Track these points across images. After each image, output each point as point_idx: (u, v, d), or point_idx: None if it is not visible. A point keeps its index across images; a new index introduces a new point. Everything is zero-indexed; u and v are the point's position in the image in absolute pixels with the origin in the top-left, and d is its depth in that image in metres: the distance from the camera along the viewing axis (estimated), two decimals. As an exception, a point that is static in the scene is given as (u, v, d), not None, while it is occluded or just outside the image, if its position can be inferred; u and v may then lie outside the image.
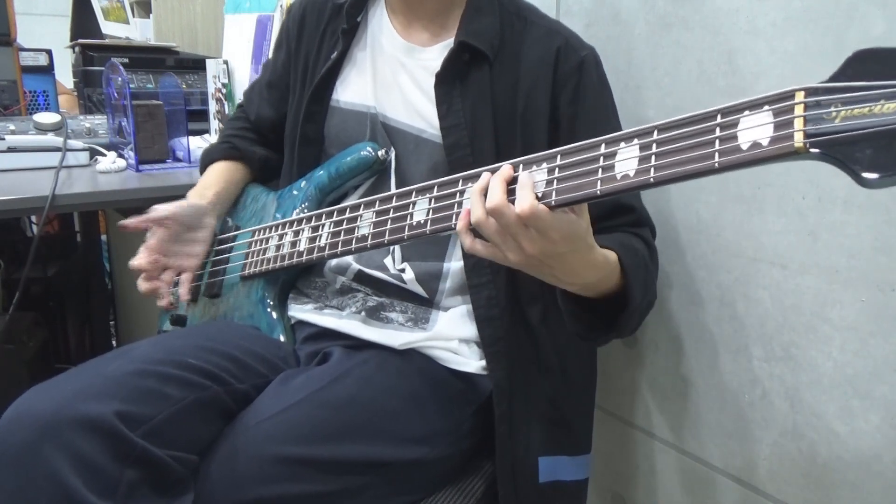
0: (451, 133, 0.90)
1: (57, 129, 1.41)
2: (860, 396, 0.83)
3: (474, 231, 0.70)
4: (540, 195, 0.66)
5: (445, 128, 0.90)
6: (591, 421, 1.00)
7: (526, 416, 0.91)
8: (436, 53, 0.95)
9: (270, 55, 1.36)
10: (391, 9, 1.00)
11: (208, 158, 1.13)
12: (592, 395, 1.00)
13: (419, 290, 0.95)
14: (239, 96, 1.62)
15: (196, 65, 1.78)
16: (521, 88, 0.91)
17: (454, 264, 0.95)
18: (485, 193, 0.68)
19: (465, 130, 0.90)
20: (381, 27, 1.00)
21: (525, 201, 0.65)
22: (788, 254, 0.88)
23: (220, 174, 1.11)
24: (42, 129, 1.41)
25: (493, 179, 0.68)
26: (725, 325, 0.98)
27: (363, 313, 0.95)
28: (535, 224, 0.65)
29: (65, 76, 1.98)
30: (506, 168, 0.69)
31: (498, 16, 0.93)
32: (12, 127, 1.38)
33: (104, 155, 1.39)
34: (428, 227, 0.75)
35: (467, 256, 0.91)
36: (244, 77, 1.61)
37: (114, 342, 2.25)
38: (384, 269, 0.96)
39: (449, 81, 0.91)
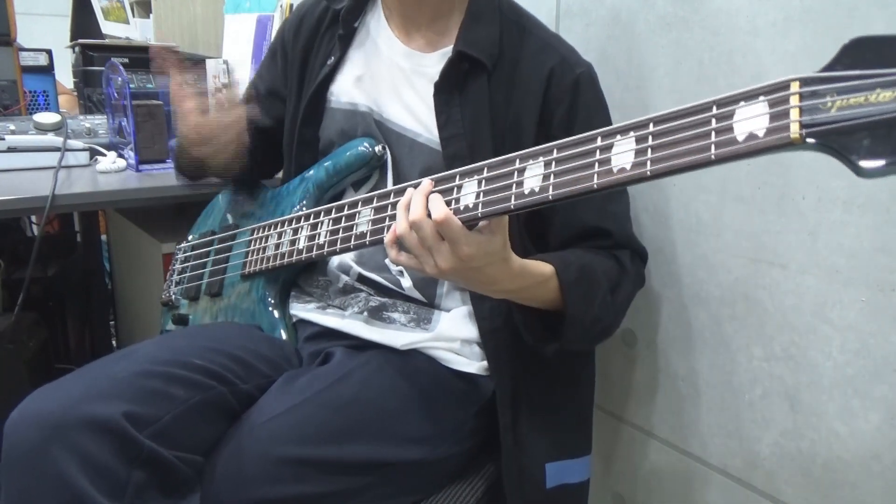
0: (451, 143, 0.90)
1: (57, 129, 1.40)
2: (860, 396, 0.84)
3: (400, 245, 0.74)
4: (470, 206, 0.70)
5: (445, 138, 0.90)
6: (591, 422, 1.01)
7: (531, 423, 0.91)
8: (435, 60, 0.94)
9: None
10: (388, 14, 0.99)
11: None
12: (592, 396, 1.01)
13: (417, 296, 0.96)
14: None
15: (196, 65, 1.77)
16: (513, 99, 0.91)
17: None
18: (408, 208, 0.72)
19: (465, 141, 0.89)
20: (379, 31, 0.99)
21: (439, 210, 0.69)
22: (788, 254, 0.89)
23: None
24: (42, 129, 1.40)
25: (416, 195, 0.72)
26: (725, 325, 0.98)
27: (366, 313, 0.95)
28: (448, 234, 0.69)
29: (65, 76, 1.97)
30: (426, 183, 0.73)
31: (498, 23, 0.93)
32: (12, 127, 1.38)
33: (104, 155, 1.39)
34: None
35: None
36: (244, 77, 1.61)
37: (114, 342, 2.24)
38: (385, 269, 0.96)
39: (448, 91, 0.90)
